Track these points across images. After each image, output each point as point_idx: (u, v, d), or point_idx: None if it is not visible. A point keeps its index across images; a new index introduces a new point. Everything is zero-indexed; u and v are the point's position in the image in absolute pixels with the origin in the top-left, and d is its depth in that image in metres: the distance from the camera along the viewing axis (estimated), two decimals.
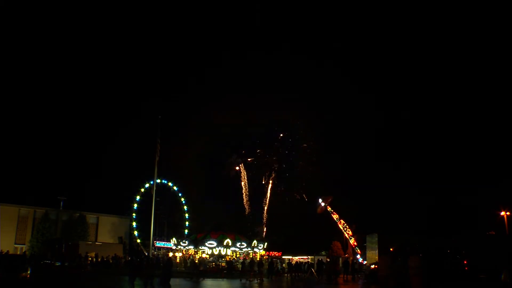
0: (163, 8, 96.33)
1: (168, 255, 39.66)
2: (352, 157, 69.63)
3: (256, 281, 29.48)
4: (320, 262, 35.68)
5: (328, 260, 40.10)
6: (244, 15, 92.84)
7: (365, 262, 46.94)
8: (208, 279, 30.86)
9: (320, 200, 58.24)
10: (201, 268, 32.05)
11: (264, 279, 31.00)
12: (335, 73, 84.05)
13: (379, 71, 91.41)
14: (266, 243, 45.31)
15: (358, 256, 52.85)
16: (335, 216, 57.46)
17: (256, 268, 31.71)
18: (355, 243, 55.55)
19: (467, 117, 72.41)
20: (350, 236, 56.26)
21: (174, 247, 43.84)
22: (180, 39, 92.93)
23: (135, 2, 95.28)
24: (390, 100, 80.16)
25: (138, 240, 49.99)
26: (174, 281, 23.27)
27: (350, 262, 38.76)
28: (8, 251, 39.18)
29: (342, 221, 57.19)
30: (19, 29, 78.40)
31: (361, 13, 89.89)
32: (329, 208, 57.90)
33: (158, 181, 48.20)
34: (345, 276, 32.79)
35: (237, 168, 64.51)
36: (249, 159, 63.81)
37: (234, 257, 41.22)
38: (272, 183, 65.00)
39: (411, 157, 69.79)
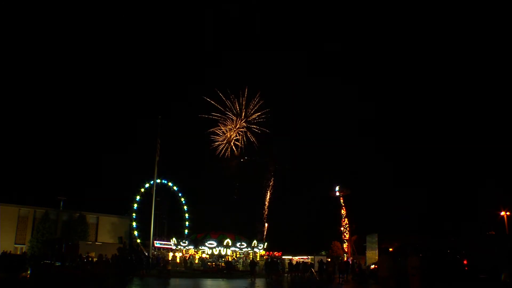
0: (162, 10, 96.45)
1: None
2: (352, 156, 69.70)
3: (251, 281, 29.37)
4: (321, 262, 35.66)
5: (329, 260, 40.05)
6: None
7: None
8: (208, 279, 30.81)
9: (337, 188, 57.96)
10: (169, 267, 31.51)
11: (257, 279, 30.78)
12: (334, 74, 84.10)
13: (379, 72, 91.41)
14: (266, 243, 45.27)
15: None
16: (343, 210, 57.24)
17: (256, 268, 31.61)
18: (347, 249, 55.40)
19: (468, 117, 72.45)
20: (346, 239, 56.13)
21: (174, 247, 43.83)
22: (179, 41, 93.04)
23: (137, 5, 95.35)
24: (390, 99, 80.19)
25: (138, 240, 49.95)
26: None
27: (351, 262, 38.77)
28: (10, 251, 39.21)
29: (346, 220, 57.00)
30: (19, 30, 78.37)
31: (361, 14, 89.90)
32: (342, 200, 57.62)
33: (158, 181, 48.18)
34: (345, 276, 32.76)
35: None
36: (242, 160, 63.65)
37: (234, 257, 41.19)
38: (272, 183, 64.98)
39: (411, 157, 69.85)
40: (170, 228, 54.57)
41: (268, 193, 64.25)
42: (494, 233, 37.11)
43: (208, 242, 40.66)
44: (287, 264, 41.21)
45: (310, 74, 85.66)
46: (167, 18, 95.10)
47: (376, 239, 43.75)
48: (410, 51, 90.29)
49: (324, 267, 33.65)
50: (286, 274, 38.05)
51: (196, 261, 40.51)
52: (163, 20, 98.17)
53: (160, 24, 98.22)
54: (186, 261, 40.31)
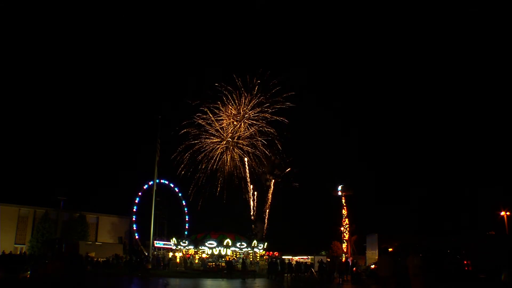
0: (161, 10, 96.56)
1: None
2: (353, 156, 69.77)
3: (246, 281, 29.30)
4: (321, 262, 35.63)
5: (329, 260, 40.00)
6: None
7: None
8: (208, 279, 30.77)
9: (339, 188, 57.80)
10: (149, 266, 30.69)
11: (257, 279, 30.71)
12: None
13: (378, 73, 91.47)
14: (266, 243, 45.23)
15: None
16: (344, 210, 57.11)
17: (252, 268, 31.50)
18: (346, 249, 55.34)
19: (468, 118, 72.49)
20: (346, 240, 56.08)
21: (174, 247, 43.81)
22: (179, 41, 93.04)
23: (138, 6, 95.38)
24: (391, 99, 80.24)
25: (138, 240, 49.97)
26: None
27: (351, 262, 38.69)
28: (11, 251, 39.24)
29: (347, 220, 56.88)
30: (20, 30, 78.38)
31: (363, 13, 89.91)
32: (343, 200, 57.49)
33: (158, 181, 48.17)
34: (345, 276, 32.76)
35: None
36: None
37: (234, 257, 41.14)
38: (274, 182, 64.92)
39: (411, 156, 69.91)
40: (170, 228, 54.63)
41: (270, 192, 64.16)
42: (494, 233, 37.14)
43: (208, 242, 40.62)
44: (286, 264, 41.24)
45: (311, 77, 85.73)
46: (169, 19, 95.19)
47: (376, 239, 43.76)
48: (405, 49, 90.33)
49: (324, 267, 33.65)
50: (286, 274, 38.06)
51: (196, 261, 40.48)
52: (165, 21, 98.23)
53: (163, 25, 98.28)
54: (186, 261, 40.28)
